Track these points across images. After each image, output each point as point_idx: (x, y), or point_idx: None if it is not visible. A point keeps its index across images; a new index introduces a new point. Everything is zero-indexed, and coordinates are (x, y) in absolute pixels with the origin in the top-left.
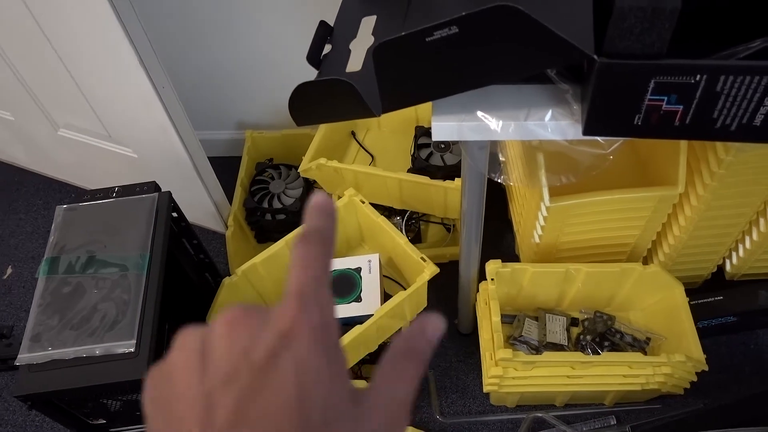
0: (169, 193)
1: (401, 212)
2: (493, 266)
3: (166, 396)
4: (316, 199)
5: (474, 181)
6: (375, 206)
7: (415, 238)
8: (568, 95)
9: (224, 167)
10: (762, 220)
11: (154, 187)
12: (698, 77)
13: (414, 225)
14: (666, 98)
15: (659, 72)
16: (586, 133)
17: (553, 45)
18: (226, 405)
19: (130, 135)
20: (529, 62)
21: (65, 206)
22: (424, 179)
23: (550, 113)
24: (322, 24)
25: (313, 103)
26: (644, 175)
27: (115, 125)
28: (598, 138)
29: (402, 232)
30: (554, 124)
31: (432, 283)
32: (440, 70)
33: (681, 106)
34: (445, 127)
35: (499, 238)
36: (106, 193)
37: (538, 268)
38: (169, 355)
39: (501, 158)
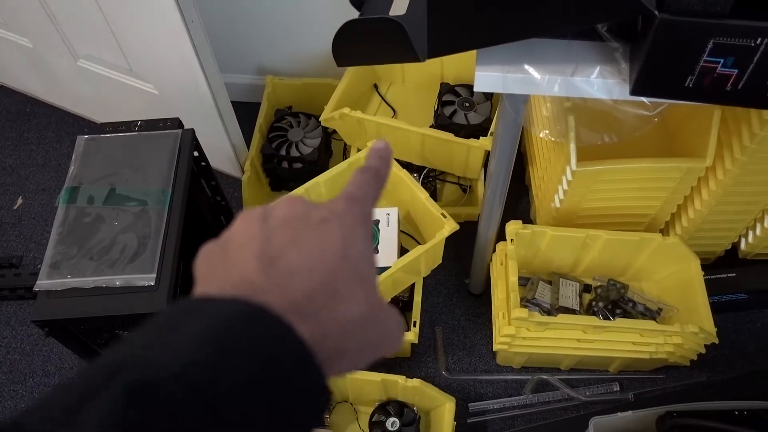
0: (193, 130)
1: (419, 170)
2: (513, 227)
3: (222, 250)
4: (377, 144)
5: (508, 138)
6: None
7: (431, 197)
8: (618, 53)
9: (243, 112)
10: None
11: (177, 123)
12: (759, 41)
13: (430, 183)
14: (722, 60)
15: (720, 32)
16: (633, 93)
17: None
18: (282, 237)
19: (153, 70)
20: (587, 13)
21: (87, 137)
22: (448, 136)
23: (597, 70)
24: None
25: (358, 43)
26: (672, 147)
27: (138, 58)
28: (645, 99)
29: None
30: (601, 81)
31: (446, 242)
32: (493, 16)
33: (736, 70)
34: (488, 78)
35: (515, 203)
36: (128, 126)
37: (558, 232)
38: (229, 228)
39: (544, 113)
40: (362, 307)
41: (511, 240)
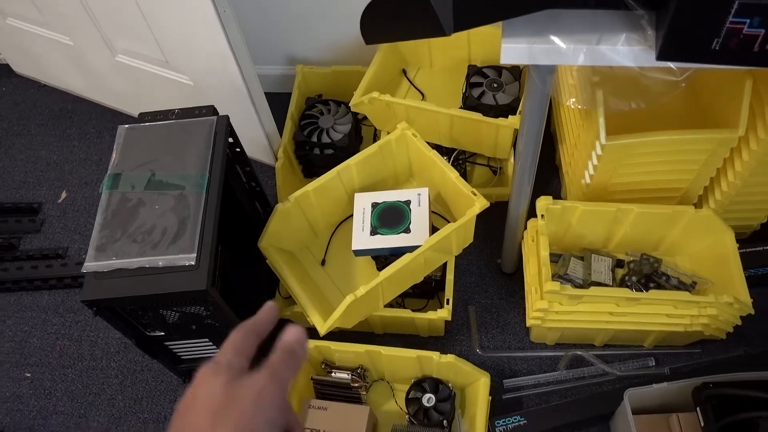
0: (227, 117)
1: (448, 153)
2: (543, 202)
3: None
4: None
5: (536, 110)
6: None
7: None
8: (643, 20)
9: (274, 102)
10: None
11: (212, 110)
12: None
13: (460, 166)
14: (749, 21)
15: None
16: (660, 58)
17: None
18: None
19: (188, 61)
20: None
21: (127, 126)
22: (477, 116)
23: (623, 38)
24: None
25: (384, 20)
26: (703, 121)
27: (173, 51)
28: (671, 64)
29: None
30: (627, 49)
31: (478, 223)
32: None
33: (762, 30)
34: (515, 49)
35: (546, 183)
36: (166, 114)
37: (589, 207)
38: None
39: (570, 82)
40: None
41: (542, 216)
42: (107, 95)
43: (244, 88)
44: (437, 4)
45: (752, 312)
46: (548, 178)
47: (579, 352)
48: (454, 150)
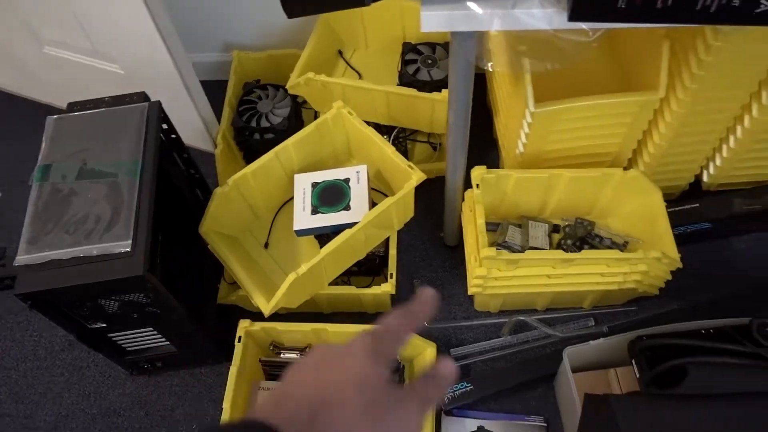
0: (159, 102)
1: (388, 131)
2: (478, 172)
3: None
4: (428, 292)
5: (462, 79)
6: None
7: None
8: None
9: (212, 90)
10: (739, 127)
11: (143, 96)
12: None
13: (401, 144)
14: None
15: None
16: (572, 18)
17: None
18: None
19: (118, 50)
20: None
21: (56, 116)
22: (411, 91)
23: (537, 1)
24: None
25: None
26: (628, 85)
27: (102, 40)
28: (583, 25)
29: None
30: (541, 12)
31: (420, 198)
32: None
33: None
34: (434, 17)
35: (485, 156)
36: (96, 103)
37: (522, 174)
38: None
39: (490, 47)
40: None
41: (477, 185)
42: (38, 90)
43: (177, 74)
44: None
45: (680, 266)
46: (488, 151)
47: (521, 318)
48: (394, 128)
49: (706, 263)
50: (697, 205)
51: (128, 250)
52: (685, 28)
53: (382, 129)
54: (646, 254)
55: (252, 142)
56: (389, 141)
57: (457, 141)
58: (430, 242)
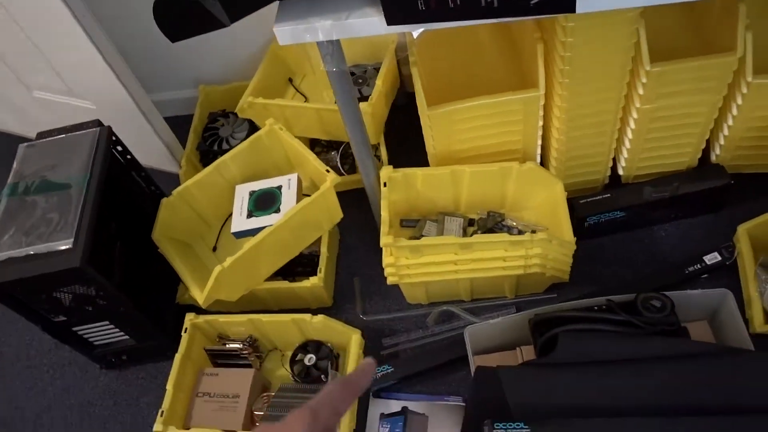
0: (109, 127)
1: (336, 147)
2: (385, 171)
3: None
4: (368, 361)
5: (342, 87)
6: (313, 141)
7: (351, 169)
8: None
9: (186, 122)
10: (630, 118)
11: (97, 123)
12: None
13: (351, 157)
14: None
15: None
16: (389, 23)
17: None
18: None
19: (86, 89)
20: None
21: (26, 144)
22: (335, 106)
23: (365, 11)
24: None
25: (174, 19)
26: (523, 83)
27: (72, 81)
28: (402, 28)
29: (338, 164)
30: (367, 20)
31: (364, 202)
32: None
33: None
34: (284, 32)
35: (423, 156)
36: (60, 131)
37: (427, 172)
38: None
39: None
40: None
41: (384, 184)
42: (34, 129)
43: (135, 107)
44: (209, 5)
45: (575, 248)
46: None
47: (445, 308)
48: (341, 144)
49: (628, 251)
50: (609, 195)
51: (69, 246)
52: (549, 27)
53: (332, 144)
54: (532, 237)
55: None
56: (338, 155)
57: (359, 146)
58: (371, 243)
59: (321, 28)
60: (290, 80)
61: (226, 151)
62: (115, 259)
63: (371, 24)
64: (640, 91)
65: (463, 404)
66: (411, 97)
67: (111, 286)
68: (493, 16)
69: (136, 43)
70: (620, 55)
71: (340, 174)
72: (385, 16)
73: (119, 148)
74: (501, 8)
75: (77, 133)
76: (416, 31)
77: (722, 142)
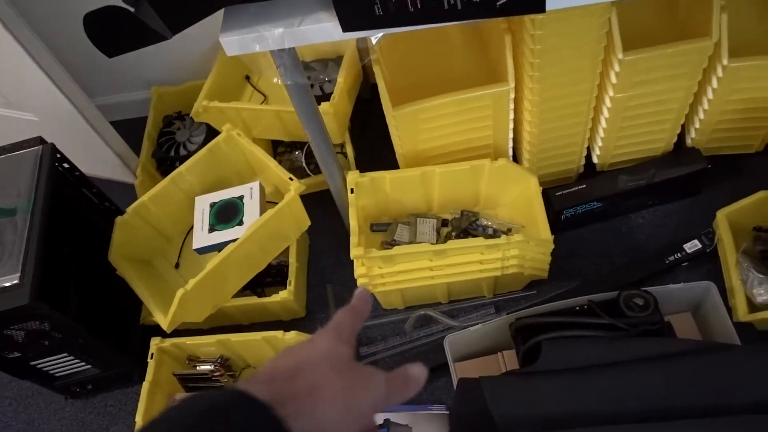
0: (53, 144)
1: (300, 147)
2: (351, 177)
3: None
4: (362, 290)
5: (299, 93)
6: (276, 142)
7: (317, 169)
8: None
9: (139, 126)
10: (605, 108)
11: (39, 140)
12: None
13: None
14: None
15: None
16: (345, 30)
17: None
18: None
19: (26, 100)
20: None
21: None
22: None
23: (319, 17)
24: None
25: (109, 33)
26: (493, 78)
27: (11, 93)
28: (359, 33)
29: (303, 165)
30: (321, 26)
31: (332, 208)
32: None
33: None
34: (231, 42)
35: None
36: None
37: (395, 174)
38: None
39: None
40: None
41: (351, 189)
42: None
43: (80, 117)
44: (147, 17)
45: (552, 246)
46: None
47: (423, 312)
48: (305, 143)
49: (606, 242)
50: (585, 186)
51: (16, 282)
52: (518, 18)
53: (296, 145)
54: (509, 239)
55: (173, 170)
56: (302, 155)
57: (321, 151)
58: (341, 250)
59: (271, 37)
60: (248, 78)
61: (184, 156)
62: (70, 286)
63: (326, 30)
64: (614, 80)
65: (447, 412)
66: (376, 89)
67: (66, 318)
68: (457, 18)
69: (76, 44)
70: (592, 45)
71: (306, 174)
72: (340, 22)
73: (65, 164)
74: (465, 10)
75: (17, 152)
76: (374, 36)
77: (697, 125)
